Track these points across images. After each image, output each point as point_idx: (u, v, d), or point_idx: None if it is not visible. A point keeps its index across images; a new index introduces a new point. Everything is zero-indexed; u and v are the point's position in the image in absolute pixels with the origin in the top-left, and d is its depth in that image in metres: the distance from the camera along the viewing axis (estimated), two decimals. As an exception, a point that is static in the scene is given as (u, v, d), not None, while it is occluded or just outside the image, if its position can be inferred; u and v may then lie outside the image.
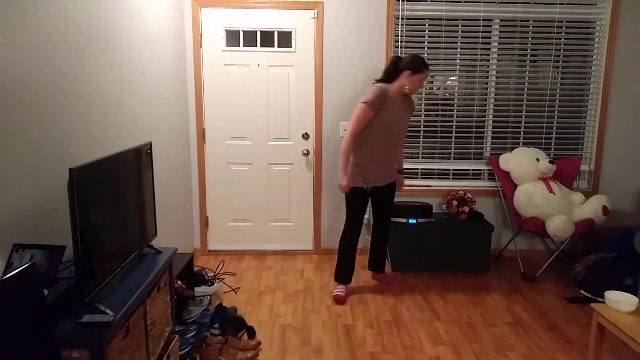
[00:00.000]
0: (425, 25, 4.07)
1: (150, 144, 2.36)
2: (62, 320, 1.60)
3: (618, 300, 2.34)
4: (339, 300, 3.34)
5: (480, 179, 4.34)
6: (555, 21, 4.10)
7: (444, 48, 4.12)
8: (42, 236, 1.89)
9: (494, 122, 4.26)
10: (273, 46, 4.05)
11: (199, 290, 3.04)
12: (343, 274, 3.43)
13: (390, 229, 3.67)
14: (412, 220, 3.94)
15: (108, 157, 1.90)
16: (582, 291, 3.33)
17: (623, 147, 4.26)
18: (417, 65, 3.09)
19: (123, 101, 2.71)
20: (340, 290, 3.41)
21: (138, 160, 2.20)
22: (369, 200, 3.52)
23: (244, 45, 4.04)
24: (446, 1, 4.03)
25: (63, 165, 2.03)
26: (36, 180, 1.86)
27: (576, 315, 3.26)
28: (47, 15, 1.95)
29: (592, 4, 4.08)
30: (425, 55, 4.11)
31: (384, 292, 3.54)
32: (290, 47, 4.05)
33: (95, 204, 1.76)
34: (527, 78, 4.20)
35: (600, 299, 2.57)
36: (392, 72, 3.18)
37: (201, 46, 4.02)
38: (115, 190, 1.96)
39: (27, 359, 1.31)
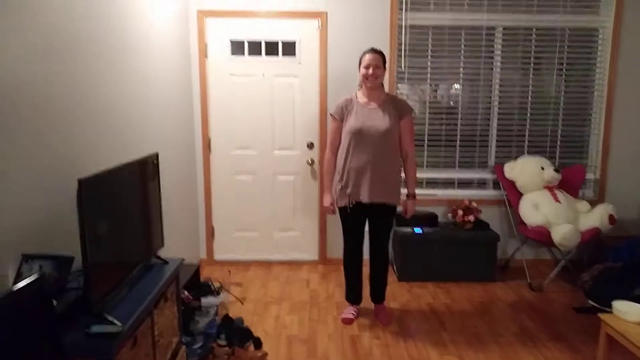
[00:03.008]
0: (428, 34, 4.10)
1: (157, 155, 2.37)
2: (71, 330, 1.60)
3: (626, 311, 2.33)
4: (345, 322, 3.26)
5: (485, 187, 4.33)
6: (558, 29, 4.12)
7: (448, 57, 4.14)
8: (51, 247, 1.89)
9: (498, 130, 4.26)
10: (278, 56, 4.08)
11: (206, 300, 3.04)
12: (347, 294, 3.38)
13: (386, 261, 3.32)
14: (417, 230, 3.93)
15: (115, 168, 1.91)
16: (589, 301, 3.30)
17: (629, 155, 4.24)
18: (360, 59, 3.08)
19: (129, 112, 2.72)
20: (349, 312, 3.32)
21: (145, 171, 2.22)
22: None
23: (249, 56, 4.07)
24: (449, 10, 4.05)
25: (71, 177, 2.04)
26: (45, 191, 1.88)
27: (584, 326, 3.23)
28: (51, 26, 1.97)
29: (594, 12, 4.10)
30: (429, 64, 4.13)
31: (390, 303, 3.53)
32: (295, 57, 4.08)
33: (103, 215, 1.77)
34: (530, 86, 4.21)
35: (608, 309, 2.55)
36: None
37: (206, 56, 4.05)
38: (122, 200, 1.97)
39: (36, 370, 1.31)
